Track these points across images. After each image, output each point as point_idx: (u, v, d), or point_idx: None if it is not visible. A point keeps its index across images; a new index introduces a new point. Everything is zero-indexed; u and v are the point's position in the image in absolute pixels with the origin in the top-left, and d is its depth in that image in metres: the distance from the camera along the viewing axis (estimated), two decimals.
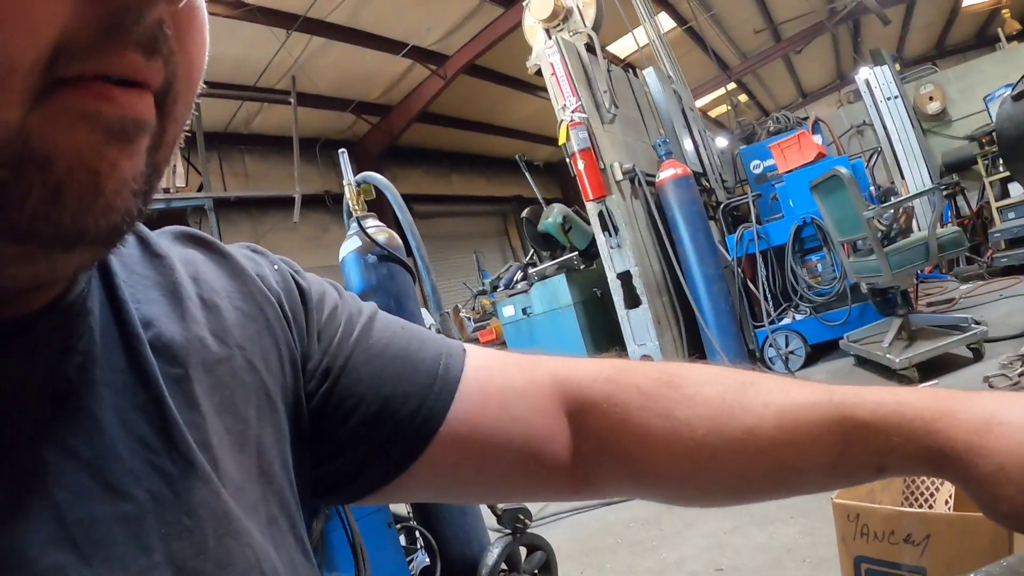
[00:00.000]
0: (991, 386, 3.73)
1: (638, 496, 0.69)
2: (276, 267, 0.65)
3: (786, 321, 5.86)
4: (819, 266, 5.85)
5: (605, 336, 6.11)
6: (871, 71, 9.24)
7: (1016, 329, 4.69)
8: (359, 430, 0.60)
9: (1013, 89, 4.67)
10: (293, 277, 0.65)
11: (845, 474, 0.57)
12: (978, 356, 4.33)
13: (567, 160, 5.61)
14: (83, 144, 0.33)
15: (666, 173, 5.80)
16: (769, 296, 5.92)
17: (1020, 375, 3.77)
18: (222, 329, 0.55)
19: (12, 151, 0.31)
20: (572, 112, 5.50)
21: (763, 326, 5.85)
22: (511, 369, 0.68)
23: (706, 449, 0.60)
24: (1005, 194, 8.00)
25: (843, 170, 4.45)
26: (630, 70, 7.30)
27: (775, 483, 0.61)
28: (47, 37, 0.30)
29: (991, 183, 8.15)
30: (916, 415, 0.52)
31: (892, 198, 6.22)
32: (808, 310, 5.78)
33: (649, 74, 7.09)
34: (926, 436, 0.51)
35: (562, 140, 5.53)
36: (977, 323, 4.40)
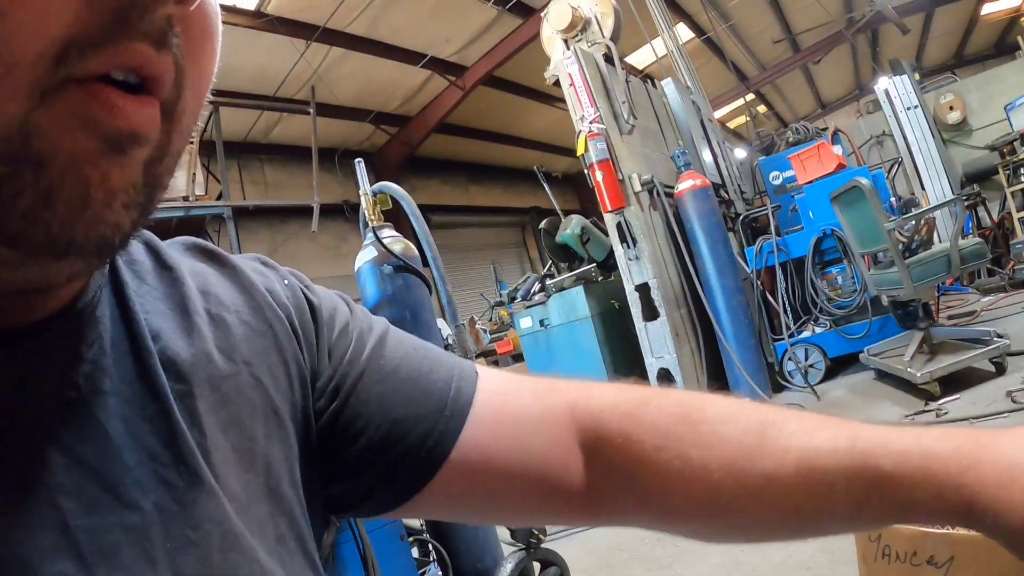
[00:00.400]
0: (1014, 400, 3.67)
1: (655, 530, 0.67)
2: (286, 281, 0.64)
3: (806, 334, 5.81)
4: (839, 278, 5.80)
5: (622, 348, 6.08)
6: (890, 81, 9.16)
7: None
8: (367, 454, 0.60)
9: None
10: (303, 292, 0.64)
11: (866, 523, 0.55)
12: (1001, 370, 4.27)
13: (585, 171, 5.59)
14: (79, 150, 0.33)
15: (685, 184, 5.77)
16: (788, 309, 5.87)
17: None
18: (229, 345, 0.55)
19: (10, 147, 0.31)
20: (590, 123, 5.50)
21: (782, 339, 5.81)
22: (526, 395, 0.67)
23: (723, 493, 0.58)
24: None
25: (863, 181, 4.41)
26: (648, 81, 7.28)
27: (793, 529, 0.59)
28: (54, 30, 0.30)
29: (1012, 193, 8.11)
30: (942, 468, 0.49)
31: (913, 209, 6.16)
32: (828, 323, 5.73)
33: (667, 84, 7.07)
34: (953, 491, 0.49)
35: (580, 151, 5.52)
36: (999, 336, 4.35)
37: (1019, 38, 12.20)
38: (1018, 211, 7.91)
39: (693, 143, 6.82)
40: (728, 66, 12.56)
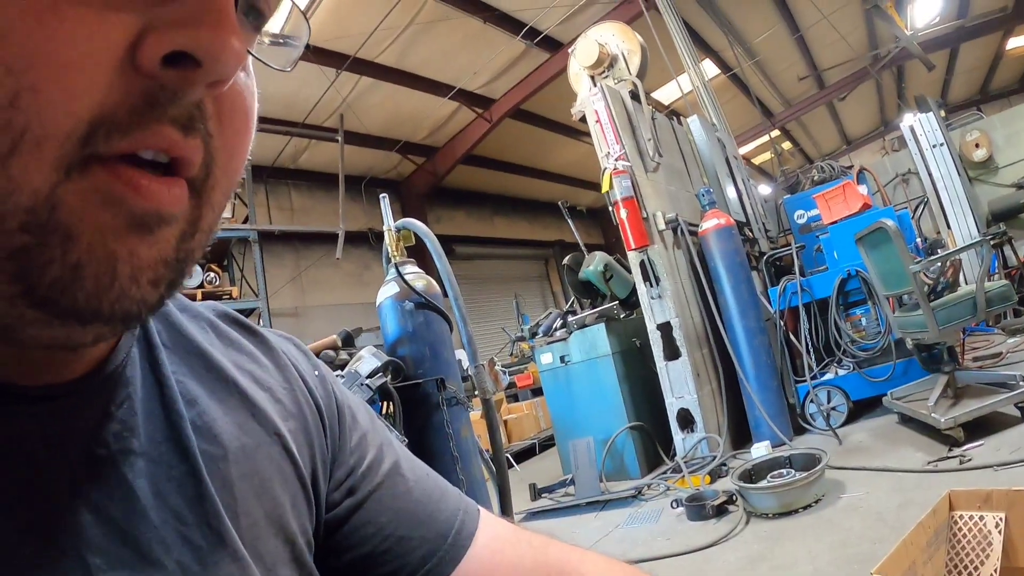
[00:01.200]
0: None
1: None
2: (317, 373, 0.66)
3: (828, 376, 5.74)
4: (863, 320, 5.74)
5: (642, 387, 6.04)
6: (916, 118, 9.09)
7: None
8: (367, 560, 0.61)
9: None
10: (332, 387, 0.66)
11: None
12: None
13: (610, 208, 5.60)
14: (105, 226, 0.34)
15: (709, 223, 5.76)
16: (811, 350, 5.81)
17: None
18: (264, 416, 0.56)
19: (38, 218, 0.31)
20: (616, 160, 5.52)
21: (804, 381, 5.74)
22: (523, 546, 0.69)
23: None
24: None
25: (889, 223, 4.38)
26: (674, 117, 7.31)
27: None
28: (84, 108, 0.31)
29: None
30: None
31: (939, 250, 6.11)
32: (851, 365, 5.67)
33: (693, 122, 7.08)
34: None
35: (605, 188, 5.53)
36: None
37: None
38: None
39: (718, 180, 6.82)
40: (753, 102, 12.59)
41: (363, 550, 0.61)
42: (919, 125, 8.99)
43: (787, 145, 17.30)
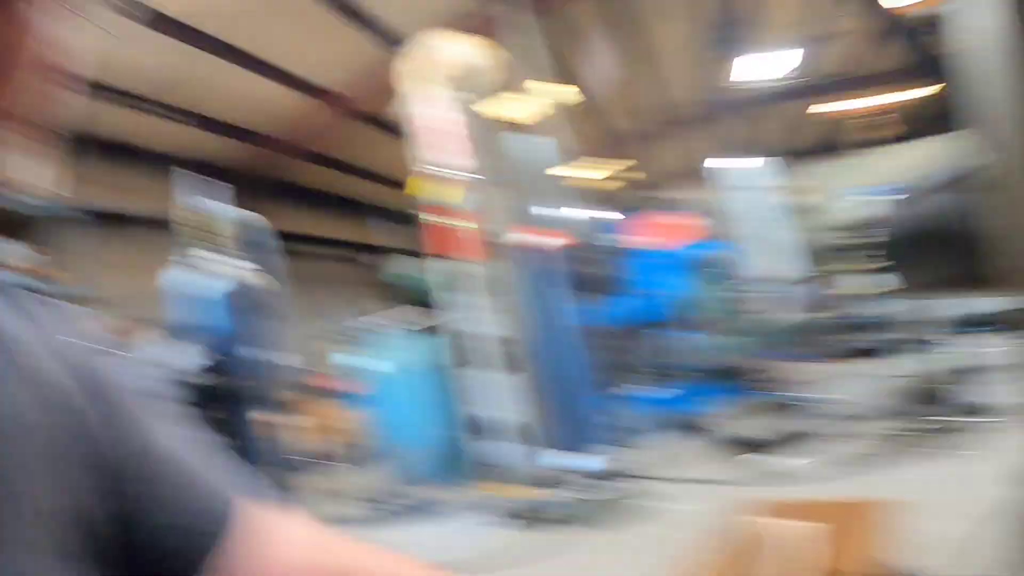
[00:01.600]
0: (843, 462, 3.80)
1: None
2: (78, 338, 0.60)
3: (639, 392, 5.89)
4: (678, 342, 5.94)
5: (456, 397, 6.00)
6: (748, 160, 9.63)
7: (866, 407, 4.87)
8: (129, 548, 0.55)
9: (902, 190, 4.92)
10: (94, 356, 0.60)
11: None
12: (830, 433, 4.45)
13: (436, 217, 5.54)
14: None
15: (536, 238, 5.77)
16: (624, 367, 5.95)
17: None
18: (43, 393, 0.51)
19: None
20: (443, 169, 5.46)
21: (616, 396, 5.86)
22: (297, 537, 0.65)
23: None
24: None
25: (711, 253, 4.56)
26: (513, 132, 7.32)
27: None
28: None
29: (849, 271, 8.85)
30: None
31: (757, 284, 6.43)
32: (661, 383, 5.84)
33: (528, 138, 7.11)
34: None
35: (430, 195, 5.46)
36: (823, 400, 4.55)
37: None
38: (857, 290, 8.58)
39: (550, 198, 6.85)
40: (598, 125, 12.85)
41: (128, 537, 0.55)
42: (750, 167, 9.53)
43: (629, 171, 17.78)
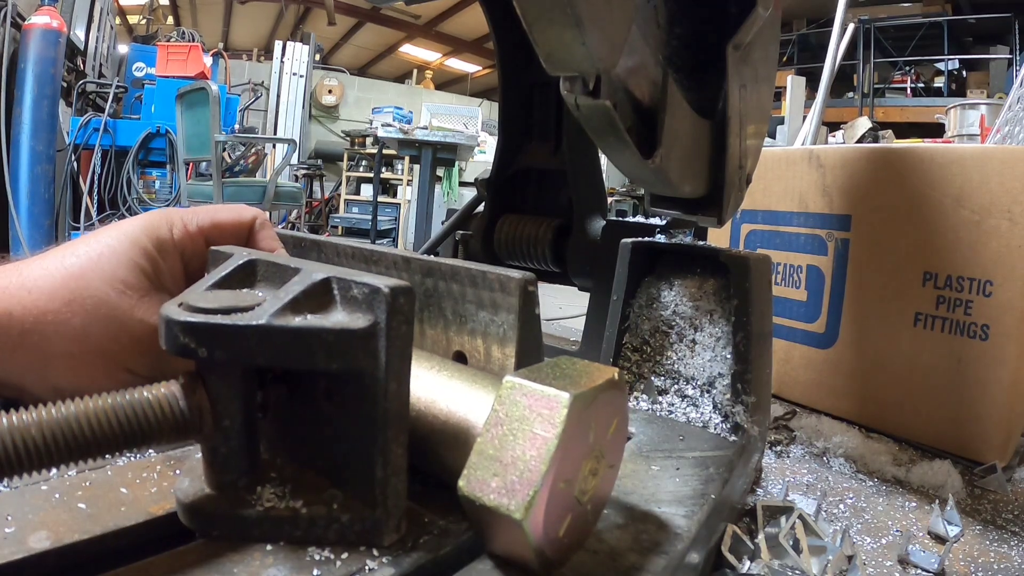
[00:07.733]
0: None
1: None
2: None
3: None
4: (157, 182, 5.57)
5: None
6: (294, 45, 10.06)
7: None
8: None
9: None
10: None
11: None
12: None
13: None
14: None
15: (39, 19, 4.81)
16: (96, 197, 5.39)
17: None
18: None
19: None
20: None
21: (79, 228, 5.28)
22: None
23: None
24: (356, 192, 9.37)
25: (213, 87, 4.28)
26: None
27: None
28: None
29: (348, 178, 9.38)
30: None
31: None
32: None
33: None
34: None
35: None
36: None
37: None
38: (347, 193, 9.19)
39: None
40: None
41: None
42: (293, 51, 9.85)
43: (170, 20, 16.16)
